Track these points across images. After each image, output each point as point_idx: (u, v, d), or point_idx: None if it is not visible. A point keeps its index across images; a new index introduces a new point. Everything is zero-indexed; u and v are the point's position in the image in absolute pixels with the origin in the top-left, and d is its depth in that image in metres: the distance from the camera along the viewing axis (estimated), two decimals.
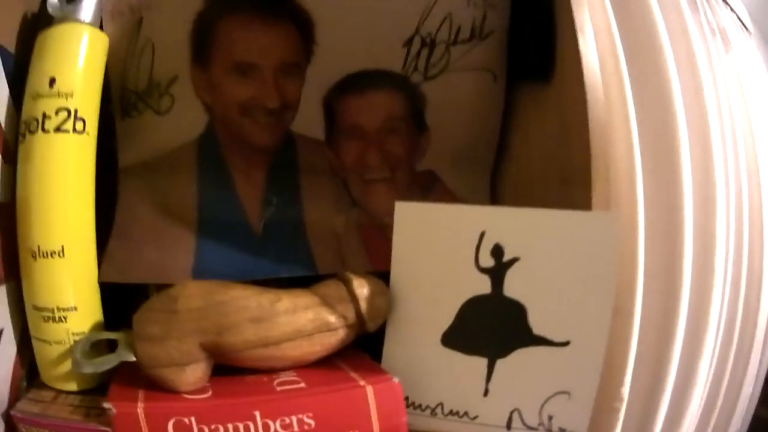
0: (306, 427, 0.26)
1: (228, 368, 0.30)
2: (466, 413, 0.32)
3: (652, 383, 0.70)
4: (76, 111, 0.31)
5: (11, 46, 0.33)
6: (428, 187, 0.41)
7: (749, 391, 1.17)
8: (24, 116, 0.31)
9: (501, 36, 0.38)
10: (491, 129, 0.40)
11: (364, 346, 0.33)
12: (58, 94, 0.31)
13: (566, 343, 0.31)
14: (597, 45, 0.47)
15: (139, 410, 0.25)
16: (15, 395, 0.31)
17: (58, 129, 0.30)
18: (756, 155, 0.94)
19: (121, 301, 0.33)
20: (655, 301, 0.70)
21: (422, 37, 0.37)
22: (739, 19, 1.40)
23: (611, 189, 0.40)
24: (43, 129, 0.30)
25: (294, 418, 0.26)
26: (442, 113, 0.39)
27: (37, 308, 0.30)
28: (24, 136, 0.30)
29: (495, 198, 0.43)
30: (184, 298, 0.27)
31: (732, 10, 1.29)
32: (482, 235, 0.30)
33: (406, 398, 0.32)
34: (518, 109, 0.40)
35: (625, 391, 0.66)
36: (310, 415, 0.26)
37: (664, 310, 0.69)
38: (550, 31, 0.35)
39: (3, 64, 0.31)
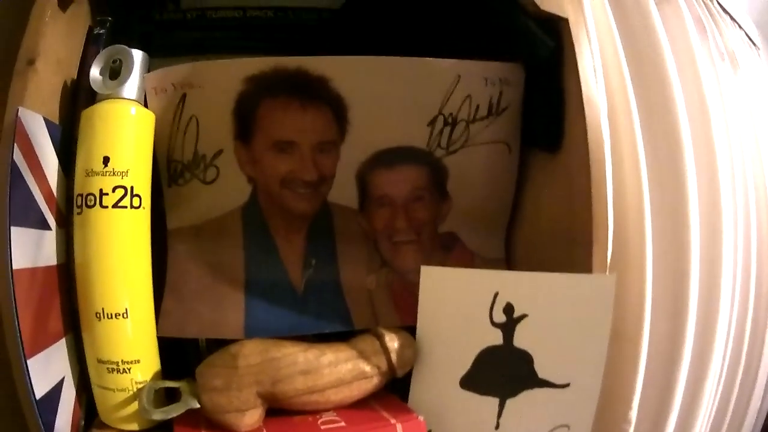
0: None
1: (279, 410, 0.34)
2: None
3: (659, 405, 0.76)
4: (132, 188, 0.34)
5: (55, 118, 0.36)
6: (449, 247, 0.45)
7: (758, 405, 1.21)
8: (79, 190, 0.34)
9: (516, 110, 0.42)
10: (506, 194, 0.45)
11: (393, 388, 0.38)
12: (114, 173, 0.34)
13: (567, 385, 0.36)
14: (609, 106, 0.54)
15: None
16: (77, 427, 0.35)
17: (116, 205, 0.33)
18: (766, 181, 1.01)
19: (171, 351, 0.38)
20: (661, 327, 0.75)
21: (444, 117, 0.41)
22: (748, 36, 1.48)
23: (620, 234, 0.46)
24: (101, 205, 0.33)
25: None
26: (461, 182, 0.43)
27: (101, 361, 0.33)
28: (81, 209, 0.34)
29: (509, 255, 0.47)
30: (243, 357, 0.32)
31: (740, 27, 1.36)
32: (496, 295, 0.36)
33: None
34: (530, 174, 0.45)
35: (633, 414, 0.71)
36: None
37: (671, 336, 0.74)
38: (559, 104, 0.40)
39: (51, 136, 0.34)
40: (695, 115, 0.79)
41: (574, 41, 0.38)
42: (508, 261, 0.46)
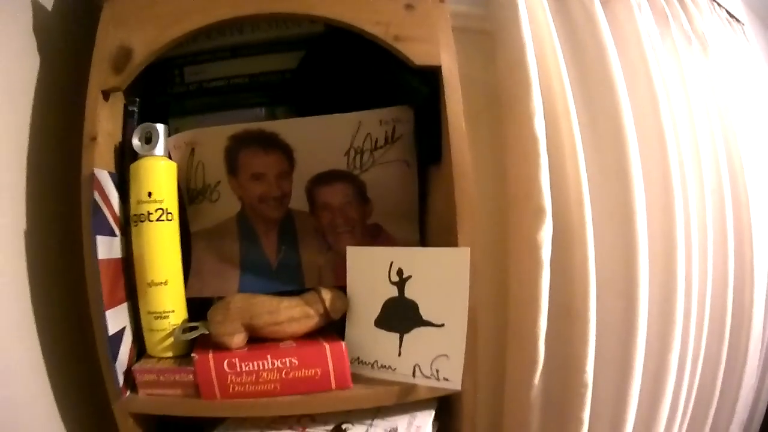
0: (292, 365, 0.53)
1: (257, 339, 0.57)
2: (389, 367, 0.57)
3: (620, 374, 0.90)
4: (166, 209, 0.58)
5: (111, 169, 0.58)
6: (376, 235, 0.66)
7: (752, 382, 1.29)
8: (134, 212, 0.57)
9: (408, 137, 0.62)
10: (411, 196, 0.65)
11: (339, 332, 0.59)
12: (154, 201, 0.57)
13: (442, 325, 0.55)
14: (551, 107, 0.77)
15: (210, 357, 0.53)
16: (131, 362, 0.58)
17: (158, 219, 0.57)
18: (739, 155, 1.15)
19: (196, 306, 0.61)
20: (614, 304, 0.91)
21: (354, 149, 0.62)
22: (728, 13, 1.54)
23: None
24: (149, 219, 0.57)
25: (287, 360, 0.53)
26: (376, 190, 0.64)
27: (150, 312, 0.57)
28: (137, 223, 0.57)
29: (424, 238, 0.67)
30: (233, 302, 0.56)
31: (719, 5, 1.43)
32: (391, 263, 0.57)
33: (357, 358, 0.58)
34: (429, 181, 0.65)
35: (588, 378, 0.87)
36: (295, 358, 0.53)
37: (624, 312, 0.89)
38: (438, 130, 0.59)
39: (112, 181, 0.57)
40: (644, 104, 0.93)
41: (446, 83, 0.57)
42: (424, 242, 0.66)
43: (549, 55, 0.88)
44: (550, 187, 0.82)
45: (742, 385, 1.22)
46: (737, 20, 1.47)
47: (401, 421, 0.57)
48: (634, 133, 0.88)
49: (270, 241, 0.66)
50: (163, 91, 0.68)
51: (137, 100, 0.62)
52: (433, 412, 0.59)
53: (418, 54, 0.57)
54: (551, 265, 0.83)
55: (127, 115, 0.61)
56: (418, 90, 0.60)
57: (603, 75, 0.89)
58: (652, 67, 0.94)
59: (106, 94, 0.57)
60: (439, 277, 0.55)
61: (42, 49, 0.62)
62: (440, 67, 0.57)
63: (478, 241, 0.76)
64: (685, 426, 1.12)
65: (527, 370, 0.86)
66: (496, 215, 0.90)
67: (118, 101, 0.60)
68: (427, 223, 0.67)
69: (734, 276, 1.12)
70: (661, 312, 0.94)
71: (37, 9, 0.62)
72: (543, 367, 0.87)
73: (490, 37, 0.89)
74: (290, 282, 0.64)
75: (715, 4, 1.39)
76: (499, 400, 0.94)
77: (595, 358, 0.89)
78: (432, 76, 0.58)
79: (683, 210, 0.95)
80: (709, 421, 1.17)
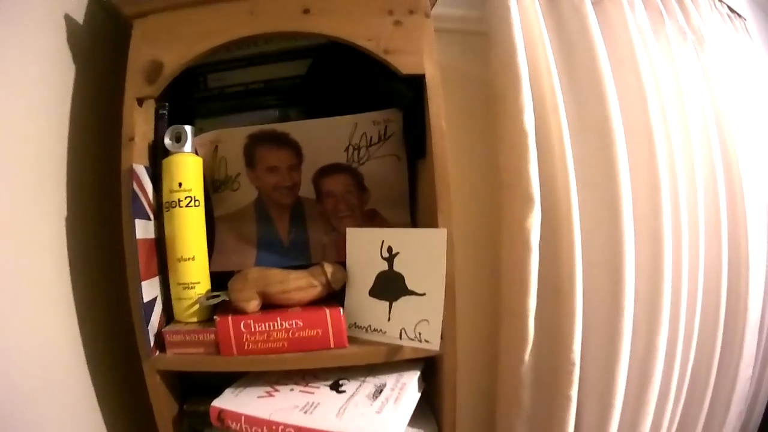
0: (297, 326, 0.64)
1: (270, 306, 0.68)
2: (381, 330, 0.67)
3: (608, 353, 0.99)
4: (194, 197, 0.69)
5: (146, 163, 0.69)
6: (372, 219, 0.76)
7: (748, 373, 1.33)
8: (167, 199, 0.68)
9: (398, 135, 0.73)
10: (402, 185, 0.76)
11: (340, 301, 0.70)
12: (184, 190, 0.68)
13: (424, 294, 0.65)
14: (540, 103, 0.84)
15: (229, 319, 0.64)
16: (161, 327, 0.69)
17: (187, 205, 0.68)
18: (733, 144, 1.21)
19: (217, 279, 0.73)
20: (601, 283, 0.98)
21: (352, 145, 0.73)
22: (729, 8, 1.57)
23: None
24: (179, 206, 0.68)
25: (293, 321, 0.64)
26: (373, 180, 0.75)
27: (179, 284, 0.69)
28: (168, 209, 0.69)
29: (415, 221, 0.77)
30: (250, 273, 0.67)
31: (720, 1, 1.45)
32: (383, 242, 0.68)
33: (354, 323, 0.69)
34: (418, 173, 0.75)
35: (575, 357, 0.95)
36: (300, 320, 0.64)
37: (611, 292, 0.97)
38: (423, 129, 0.68)
39: (147, 174, 0.69)
40: (632, 97, 1.00)
41: (429, 88, 0.67)
42: (414, 224, 0.77)
43: (540, 53, 0.96)
44: (539, 177, 0.90)
45: (739, 375, 1.27)
46: (739, 15, 1.50)
47: (390, 379, 0.68)
48: (621, 125, 0.96)
49: (282, 224, 0.77)
50: (189, 96, 0.80)
51: (167, 104, 0.73)
52: (418, 373, 0.69)
53: (404, 64, 0.67)
54: (540, 249, 0.92)
55: (158, 117, 0.73)
56: (405, 95, 0.70)
57: (591, 71, 0.97)
58: (641, 62, 1.01)
59: (140, 101, 0.68)
60: (422, 253, 0.65)
61: (76, 59, 0.73)
62: (424, 75, 0.67)
63: (471, 224, 0.86)
64: (678, 411, 1.17)
65: (518, 347, 0.95)
66: (489, 202, 0.99)
67: (150, 106, 0.72)
68: (417, 208, 0.77)
69: (728, 263, 1.17)
70: (649, 296, 1.01)
71: (70, 23, 0.73)
72: (533, 346, 0.95)
73: (486, 38, 0.98)
74: (299, 257, 0.75)
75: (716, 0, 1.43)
76: (494, 376, 1.03)
77: (584, 338, 0.96)
78: (417, 82, 0.68)
79: (670, 196, 1.01)
80: (705, 408, 1.23)
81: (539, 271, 0.93)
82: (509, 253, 0.95)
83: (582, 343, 0.97)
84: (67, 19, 0.72)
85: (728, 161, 1.20)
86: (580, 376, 0.97)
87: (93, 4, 0.78)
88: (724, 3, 1.48)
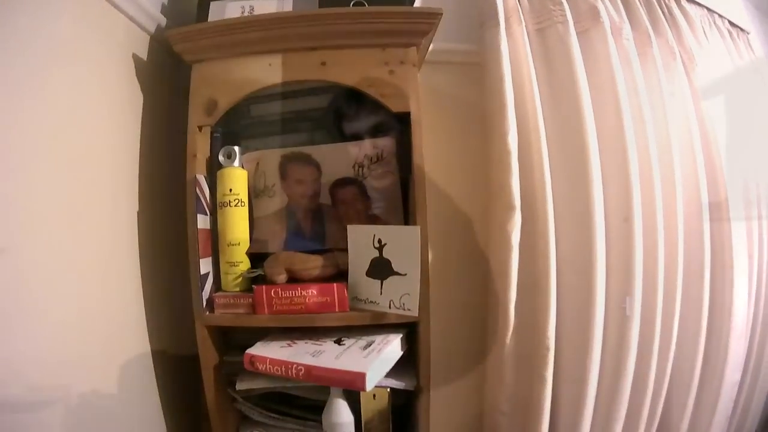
0: (312, 294, 0.91)
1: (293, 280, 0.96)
2: (375, 302, 0.93)
3: (582, 341, 1.22)
4: (240, 199, 0.97)
5: (204, 173, 0.99)
6: (374, 221, 1.01)
7: (737, 377, 1.48)
8: (220, 200, 0.97)
9: (393, 156, 0.99)
10: (397, 195, 1.00)
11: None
12: (234, 194, 0.97)
13: (405, 274, 0.90)
14: (523, 120, 1.10)
15: (263, 288, 0.92)
16: (211, 294, 0.97)
17: (235, 205, 0.97)
18: (717, 150, 1.37)
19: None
20: (572, 280, 1.21)
21: (359, 164, 1.00)
22: (731, 23, 1.70)
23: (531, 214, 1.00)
24: (230, 206, 0.97)
25: (310, 290, 0.91)
26: (374, 191, 1.01)
27: (228, 262, 0.97)
28: (221, 207, 0.97)
29: (407, 221, 1.02)
30: (281, 254, 0.95)
31: (720, 16, 1.58)
32: (374, 235, 0.94)
33: (355, 296, 0.94)
34: (409, 185, 1.01)
35: (550, 342, 1.19)
36: (315, 290, 0.91)
37: (583, 288, 1.20)
38: (410, 152, 0.94)
39: (207, 182, 0.98)
40: (609, 117, 1.21)
41: (413, 123, 0.92)
42: (407, 224, 1.03)
43: (525, 81, 1.20)
44: (521, 188, 1.14)
45: (725, 378, 1.41)
46: (741, 30, 1.64)
47: (379, 337, 0.94)
48: (596, 143, 1.18)
49: (306, 222, 1.04)
50: (237, 122, 1.07)
51: (220, 129, 1.01)
52: (401, 335, 0.95)
53: (395, 104, 0.93)
54: (520, 249, 1.15)
55: (213, 139, 1.01)
56: (395, 127, 0.98)
57: (572, 97, 1.19)
58: (620, 88, 1.21)
59: (200, 128, 0.97)
60: (403, 244, 0.90)
61: (143, 89, 1.03)
62: (410, 112, 0.93)
63: (466, 227, 1.12)
64: (659, 407, 1.35)
65: (502, 332, 1.18)
66: (480, 208, 1.24)
67: (207, 130, 1.00)
68: (410, 212, 1.04)
69: (711, 268, 1.34)
70: (620, 292, 1.22)
71: (137, 59, 1.02)
72: (514, 331, 1.18)
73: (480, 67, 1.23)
74: (317, 245, 1.01)
75: (716, 16, 1.58)
76: (483, 356, 1.27)
77: (559, 327, 1.18)
78: (405, 117, 0.94)
79: (641, 204, 1.21)
80: (689, 408, 1.39)
81: (519, 267, 1.17)
82: (495, 251, 1.19)
83: (558, 332, 1.19)
84: (135, 57, 1.03)
85: (712, 165, 1.37)
86: (556, 360, 1.19)
87: (157, 48, 1.07)
88: (725, 18, 1.62)
